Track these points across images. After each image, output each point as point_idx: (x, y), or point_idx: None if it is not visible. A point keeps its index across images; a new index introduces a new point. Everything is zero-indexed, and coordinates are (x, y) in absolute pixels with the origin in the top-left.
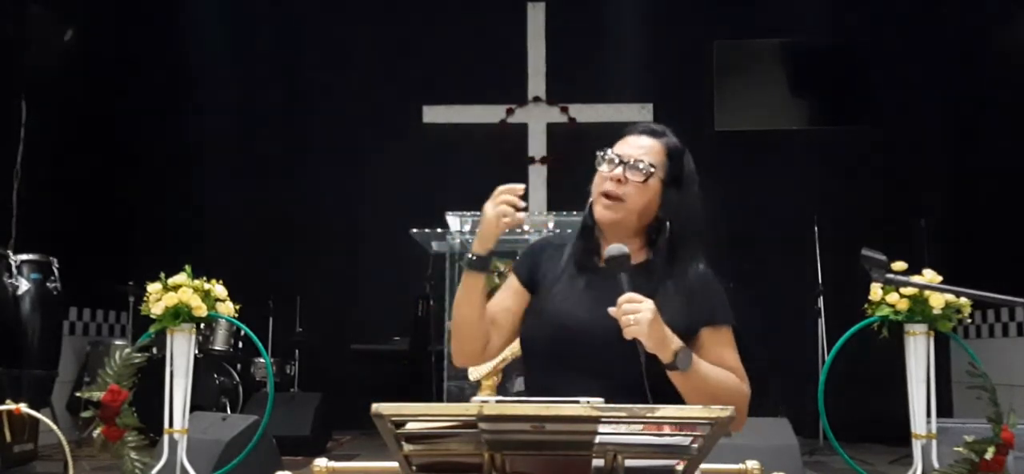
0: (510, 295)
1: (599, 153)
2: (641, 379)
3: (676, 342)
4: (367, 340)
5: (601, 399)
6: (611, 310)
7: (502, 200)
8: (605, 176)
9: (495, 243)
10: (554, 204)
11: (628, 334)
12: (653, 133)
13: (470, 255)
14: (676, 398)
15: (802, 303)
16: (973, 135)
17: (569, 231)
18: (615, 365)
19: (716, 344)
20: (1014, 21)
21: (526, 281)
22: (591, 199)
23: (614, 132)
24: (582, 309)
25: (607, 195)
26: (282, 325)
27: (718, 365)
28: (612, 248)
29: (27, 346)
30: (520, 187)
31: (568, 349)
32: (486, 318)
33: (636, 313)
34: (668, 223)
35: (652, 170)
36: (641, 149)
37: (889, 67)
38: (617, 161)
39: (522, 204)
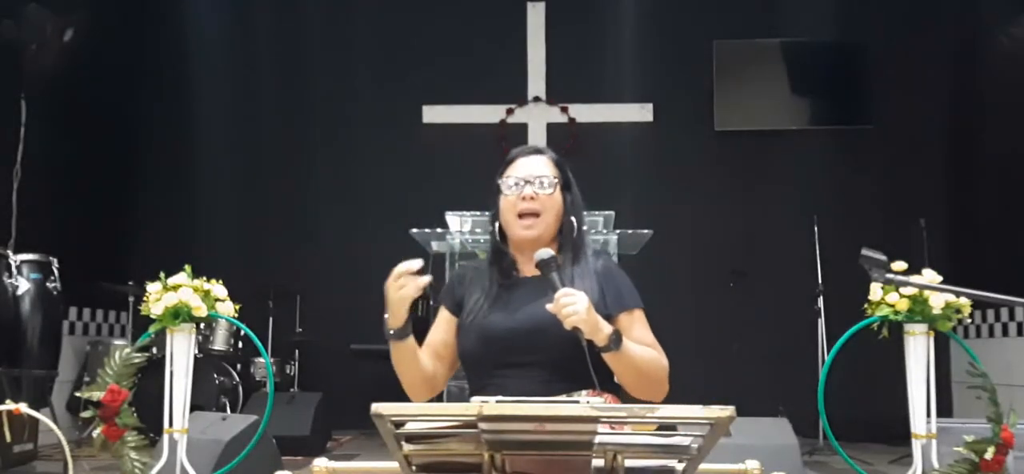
0: (444, 328)
1: (500, 181)
2: (585, 363)
3: (608, 327)
4: (367, 340)
5: (597, 398)
6: (548, 306)
7: (401, 281)
8: (514, 199)
9: (406, 315)
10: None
11: (568, 324)
12: (538, 151)
13: (389, 331)
14: (610, 376)
15: (802, 303)
16: (973, 135)
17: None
18: (555, 356)
19: (632, 326)
20: (1014, 21)
21: (453, 309)
22: (497, 223)
23: (614, 132)
24: (514, 314)
25: (524, 214)
26: (282, 325)
27: (639, 344)
28: (542, 252)
29: (27, 346)
30: (416, 263)
31: (506, 351)
32: (426, 361)
33: (573, 303)
34: (574, 223)
35: (556, 181)
36: (538, 167)
37: (889, 67)
38: (523, 183)
39: (423, 279)
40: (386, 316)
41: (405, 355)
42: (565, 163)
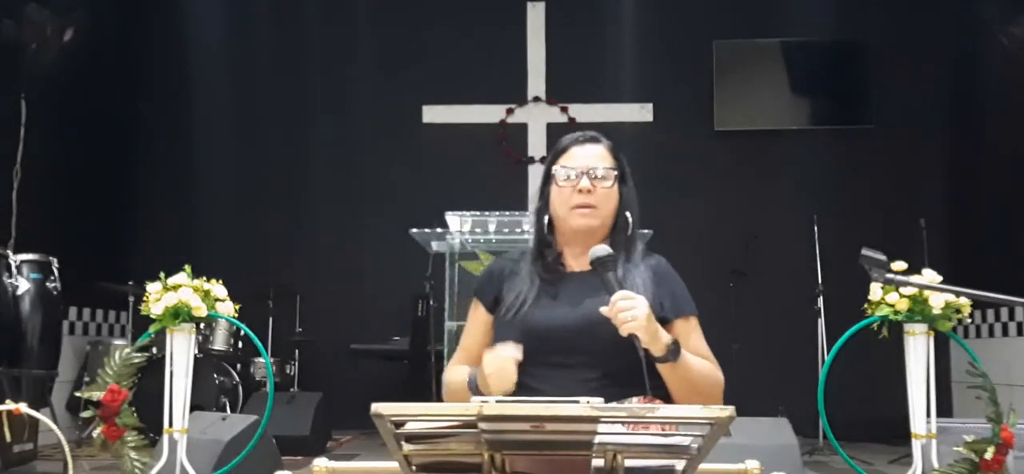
0: (482, 330)
1: (555, 169)
2: (638, 370)
3: (667, 335)
4: (367, 340)
5: (601, 398)
6: (603, 309)
7: (502, 377)
8: (569, 191)
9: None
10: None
11: (625, 331)
12: (595, 140)
13: (479, 391)
14: (660, 383)
15: (802, 303)
16: (973, 135)
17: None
18: (605, 359)
19: (688, 334)
20: (1014, 21)
21: (491, 306)
22: (547, 215)
23: (614, 132)
24: (563, 310)
25: (581, 206)
26: (282, 325)
27: (694, 354)
28: (598, 249)
29: (27, 346)
30: (512, 358)
31: (551, 350)
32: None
33: (631, 309)
34: (628, 218)
35: (615, 173)
36: (595, 157)
37: (889, 67)
38: (581, 174)
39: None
40: (479, 379)
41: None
42: (622, 153)
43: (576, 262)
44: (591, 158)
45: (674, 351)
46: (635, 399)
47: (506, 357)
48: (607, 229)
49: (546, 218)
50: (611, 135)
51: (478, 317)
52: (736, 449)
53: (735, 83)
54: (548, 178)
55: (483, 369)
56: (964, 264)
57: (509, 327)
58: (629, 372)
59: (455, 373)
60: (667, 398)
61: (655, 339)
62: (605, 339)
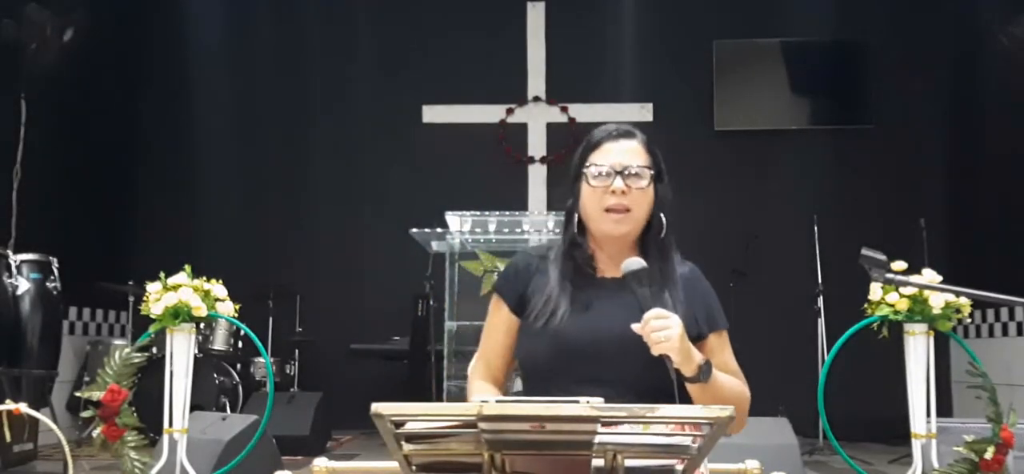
0: (505, 331)
1: (585, 168)
2: (668, 391)
3: (699, 355)
4: (367, 340)
5: (601, 398)
6: (635, 327)
7: None
8: (602, 190)
9: None
10: (554, 204)
11: (657, 350)
12: (630, 134)
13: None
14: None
15: (802, 303)
16: (973, 135)
17: (543, 242)
18: (634, 379)
19: (721, 349)
20: (1014, 21)
21: (516, 307)
22: (577, 214)
23: None
24: (596, 324)
25: (614, 209)
26: (282, 325)
27: (724, 370)
28: (631, 262)
29: (27, 346)
30: None
31: (582, 365)
32: (494, 386)
33: (665, 328)
34: (663, 220)
35: (651, 173)
36: (630, 154)
37: (889, 67)
38: (614, 172)
39: None
40: None
41: None
42: (658, 148)
43: (609, 267)
44: (625, 154)
45: (706, 371)
46: None
47: None
48: (640, 231)
49: (576, 217)
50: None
51: (500, 318)
52: (736, 449)
53: (735, 83)
54: (578, 175)
55: None
56: (964, 264)
57: (538, 337)
58: (658, 392)
59: (478, 372)
60: None
61: (688, 359)
62: (637, 357)
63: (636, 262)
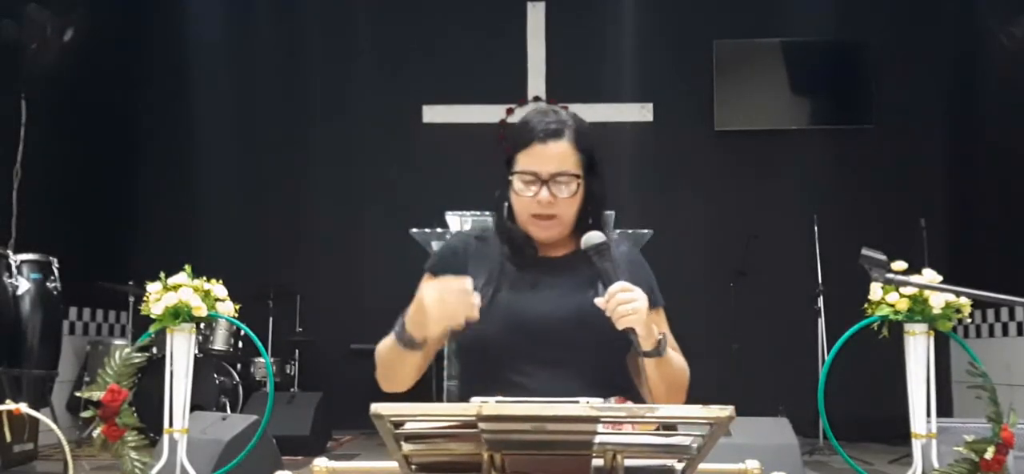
0: None
1: (512, 174)
2: (623, 367)
3: (656, 329)
4: (367, 340)
5: (600, 398)
6: (598, 301)
7: (451, 296)
8: (528, 196)
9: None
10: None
11: (623, 324)
12: (558, 134)
13: (406, 333)
14: (632, 385)
15: (802, 303)
16: (973, 135)
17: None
18: (596, 356)
19: (661, 326)
20: (1014, 21)
21: None
22: (508, 203)
23: (614, 132)
24: (546, 302)
25: (540, 217)
26: (282, 325)
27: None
28: (592, 236)
29: (27, 346)
30: (471, 296)
31: (536, 345)
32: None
33: (633, 301)
34: (596, 210)
35: (578, 180)
36: (557, 159)
37: (889, 67)
38: (539, 181)
39: (473, 312)
40: (407, 316)
41: (407, 361)
42: (590, 137)
43: (551, 247)
44: (552, 161)
45: (664, 345)
46: (613, 399)
47: (458, 288)
48: (571, 229)
49: (507, 207)
50: (611, 135)
51: None
52: (736, 449)
53: (735, 83)
54: (510, 167)
55: (419, 300)
56: (964, 264)
57: (492, 317)
58: (615, 371)
59: (386, 338)
60: (636, 398)
61: (649, 334)
62: (599, 334)
63: (596, 236)
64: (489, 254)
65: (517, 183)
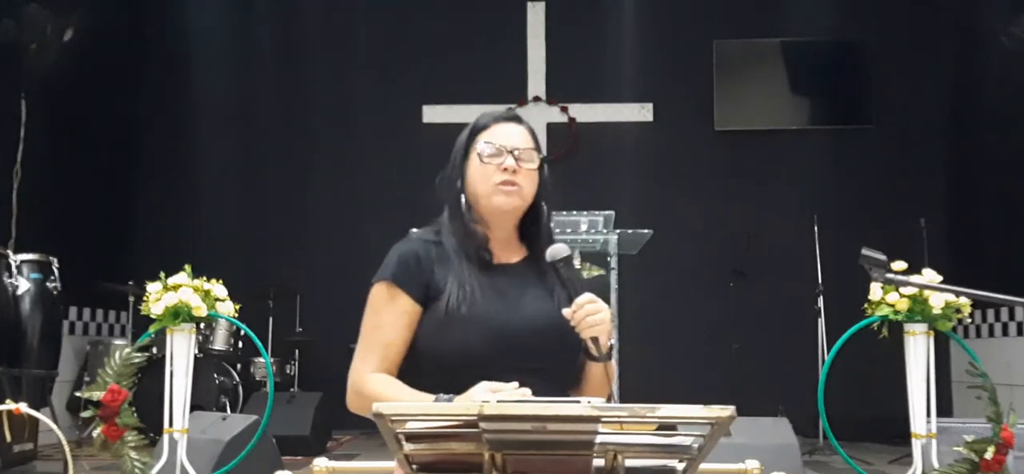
0: (407, 323)
1: (477, 145)
2: (579, 373)
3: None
4: None
5: (601, 398)
6: (565, 311)
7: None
8: (493, 168)
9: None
10: (553, 203)
11: (588, 333)
12: (518, 119)
13: (446, 398)
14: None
15: (802, 303)
16: (973, 135)
17: (417, 231)
18: (564, 362)
19: None
20: (1014, 21)
21: (420, 295)
22: (466, 195)
23: (614, 132)
24: (521, 312)
25: (506, 183)
26: (282, 325)
27: None
28: (558, 249)
29: (27, 346)
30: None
31: (519, 354)
32: (390, 373)
33: (599, 312)
34: (544, 207)
35: (539, 157)
36: (519, 136)
37: (889, 67)
38: (504, 151)
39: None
40: (453, 399)
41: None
42: (539, 141)
43: (503, 252)
44: (515, 137)
45: (612, 350)
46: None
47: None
48: (521, 213)
49: (464, 200)
50: (611, 135)
51: (400, 308)
52: (736, 449)
53: (735, 83)
54: (466, 154)
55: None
56: (964, 264)
57: (467, 327)
58: (574, 376)
59: (390, 389)
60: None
61: (606, 341)
62: (567, 341)
63: (562, 249)
64: (447, 257)
65: (484, 152)
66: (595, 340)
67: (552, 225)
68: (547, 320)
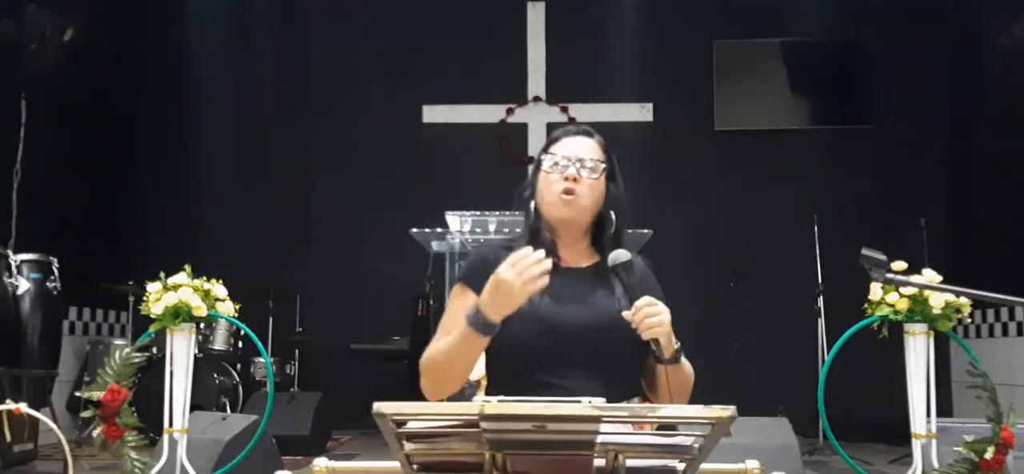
0: None
1: (543, 156)
2: (639, 371)
3: (675, 340)
4: (367, 340)
5: (603, 398)
6: (626, 314)
7: (532, 274)
8: (556, 177)
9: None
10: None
11: (649, 335)
12: (588, 133)
13: (483, 318)
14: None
15: (802, 303)
16: (973, 135)
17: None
18: (620, 360)
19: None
20: (1014, 21)
21: None
22: (534, 202)
23: (614, 132)
24: (578, 310)
25: (566, 192)
26: (282, 325)
27: None
28: (619, 254)
29: (27, 346)
30: (545, 261)
31: (571, 349)
32: None
33: (658, 315)
34: (612, 216)
35: (602, 166)
36: (586, 149)
37: (889, 67)
38: (567, 163)
39: (548, 269)
40: (485, 303)
41: (475, 351)
42: (611, 153)
43: (569, 257)
44: (580, 149)
45: (680, 354)
46: (635, 399)
47: (534, 258)
48: (588, 220)
49: (533, 206)
50: (611, 135)
51: (465, 304)
52: (736, 449)
53: (735, 83)
54: (537, 166)
55: (496, 281)
56: (964, 264)
57: (524, 322)
58: (632, 375)
59: (435, 345)
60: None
61: (670, 344)
62: (624, 340)
63: (623, 254)
64: None
65: (545, 163)
66: (656, 342)
67: (627, 232)
68: (597, 318)
